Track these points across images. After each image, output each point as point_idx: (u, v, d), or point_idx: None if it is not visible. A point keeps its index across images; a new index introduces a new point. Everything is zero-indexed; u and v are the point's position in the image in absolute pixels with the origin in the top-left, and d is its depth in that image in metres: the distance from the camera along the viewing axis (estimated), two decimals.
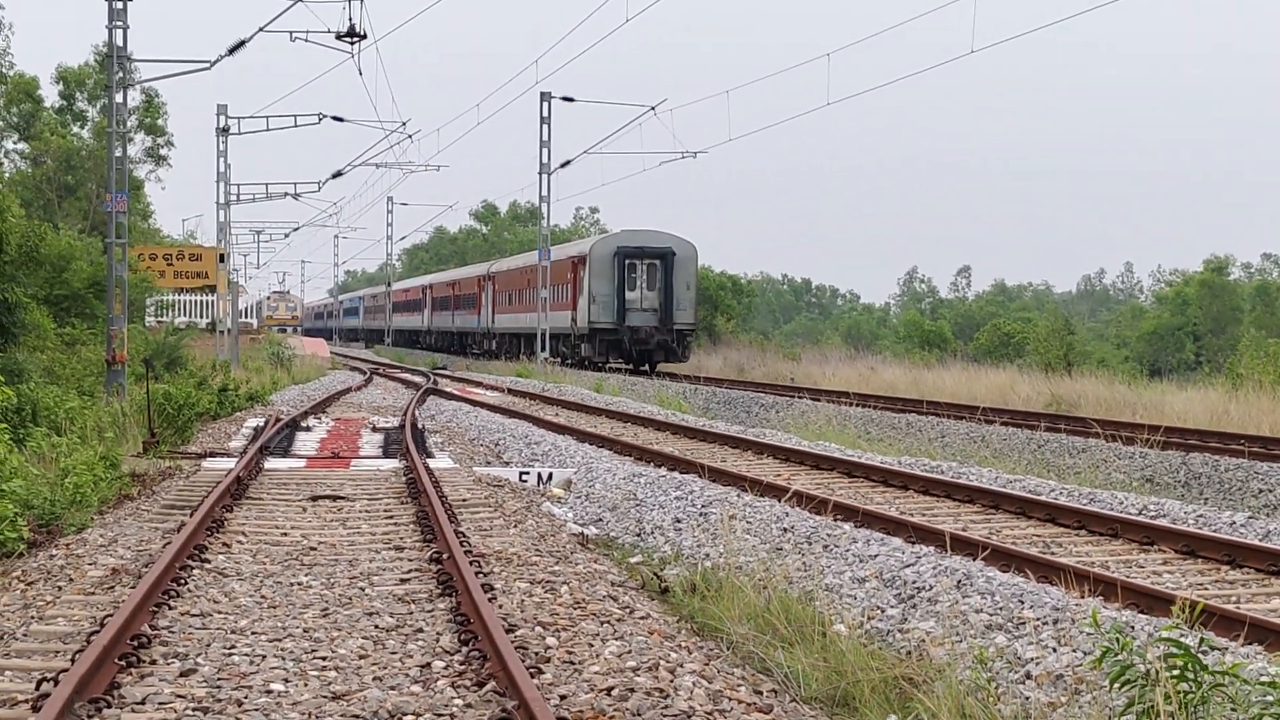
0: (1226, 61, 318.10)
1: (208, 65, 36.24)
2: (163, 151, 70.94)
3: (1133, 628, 9.41)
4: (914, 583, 11.95)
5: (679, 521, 16.54)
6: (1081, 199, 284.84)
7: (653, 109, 54.80)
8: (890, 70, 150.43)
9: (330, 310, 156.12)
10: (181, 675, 8.84)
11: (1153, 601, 10.84)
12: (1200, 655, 7.01)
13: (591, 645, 9.80)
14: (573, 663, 9.29)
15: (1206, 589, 12.19)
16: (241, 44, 36.42)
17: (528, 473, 21.25)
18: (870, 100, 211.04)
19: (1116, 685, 7.16)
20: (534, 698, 7.74)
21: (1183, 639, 7.12)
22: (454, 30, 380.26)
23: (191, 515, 14.83)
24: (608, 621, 10.65)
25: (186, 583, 11.81)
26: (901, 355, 67.55)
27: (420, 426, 28.95)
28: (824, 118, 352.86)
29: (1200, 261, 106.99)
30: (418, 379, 54.84)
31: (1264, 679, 6.89)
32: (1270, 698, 6.66)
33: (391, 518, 16.14)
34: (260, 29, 36.94)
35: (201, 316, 66.15)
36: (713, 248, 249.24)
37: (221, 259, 61.04)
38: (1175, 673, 6.91)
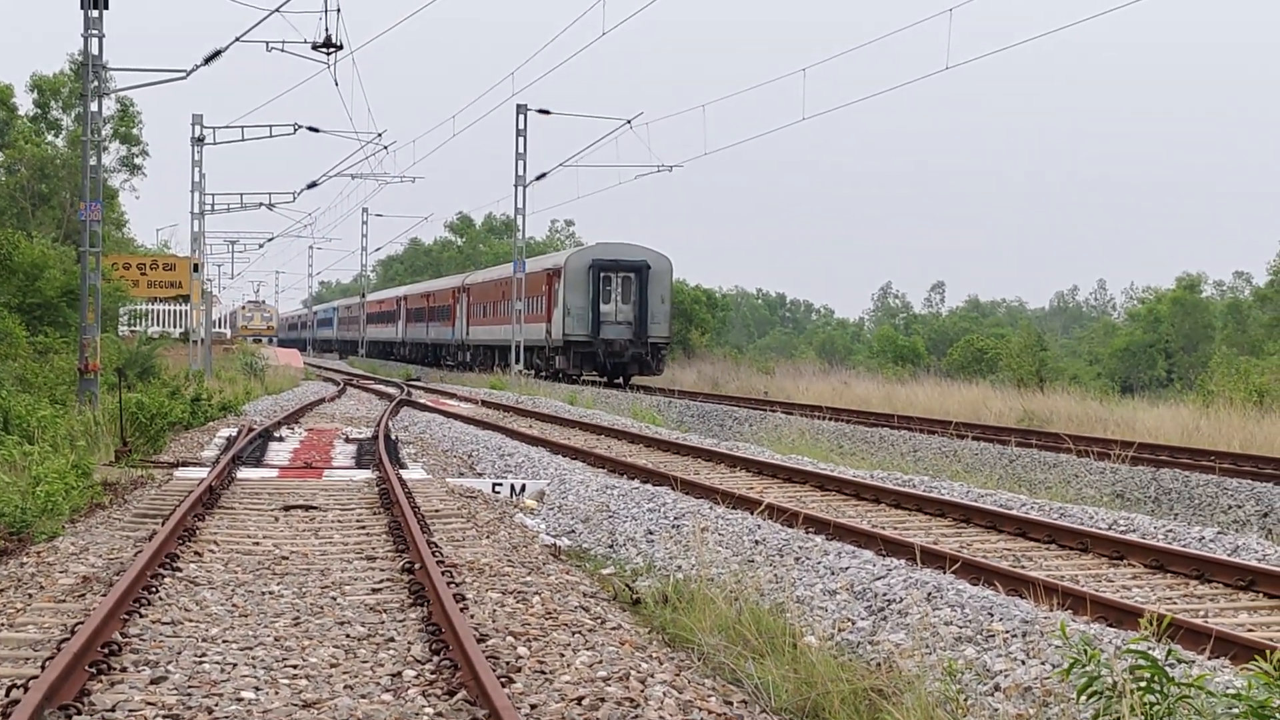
0: (1201, 76, 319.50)
1: (183, 75, 36.19)
2: (137, 161, 70.92)
3: (1101, 640, 9.46)
4: (885, 595, 11.99)
5: (651, 533, 16.57)
6: (1055, 216, 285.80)
7: (629, 122, 54.87)
8: (866, 86, 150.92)
9: (304, 321, 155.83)
10: (152, 683, 8.84)
11: (1121, 615, 10.91)
12: (1167, 668, 7.06)
13: (563, 655, 9.82)
14: (544, 672, 9.31)
15: (1175, 603, 12.25)
16: (217, 54, 36.38)
17: (501, 484, 21.25)
18: (846, 115, 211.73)
19: (1084, 697, 7.20)
20: (504, 706, 7.76)
21: (1150, 651, 7.17)
22: (430, 42, 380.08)
23: (163, 524, 14.81)
24: (579, 632, 10.67)
25: (158, 591, 11.80)
26: (875, 370, 67.66)
27: (393, 437, 28.94)
28: (800, 133, 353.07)
29: (1173, 279, 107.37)
30: (391, 390, 54.81)
31: (1230, 691, 6.93)
32: (1235, 710, 6.70)
33: (364, 528, 16.14)
34: (236, 39, 36.91)
35: (175, 326, 66.04)
36: (688, 261, 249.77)
37: (195, 269, 60.95)
38: (1142, 685, 6.96)
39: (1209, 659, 9.47)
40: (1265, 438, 28.96)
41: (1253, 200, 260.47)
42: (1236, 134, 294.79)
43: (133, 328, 57.63)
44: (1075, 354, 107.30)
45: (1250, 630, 11.04)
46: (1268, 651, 7.17)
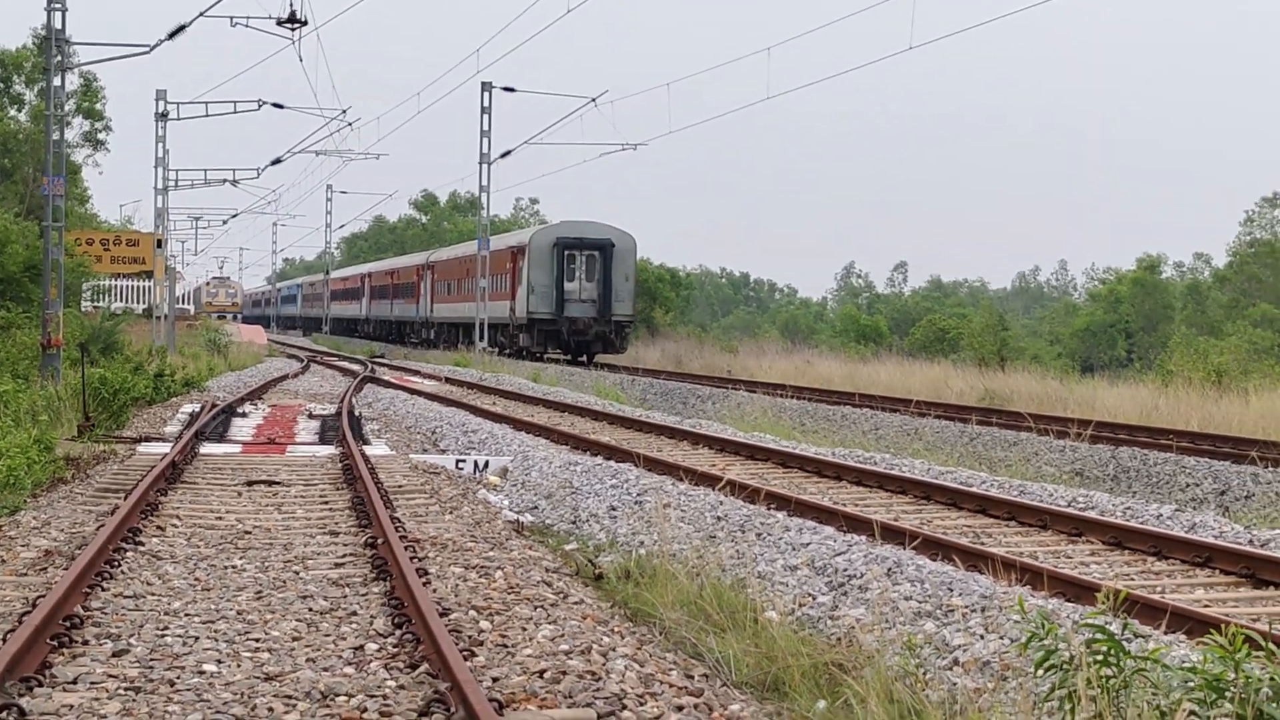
0: (1163, 59, 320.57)
1: (147, 49, 36.05)
2: (101, 136, 70.44)
3: (1059, 615, 9.54)
4: (845, 571, 12.06)
5: (614, 509, 16.62)
6: (1018, 196, 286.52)
7: (593, 100, 54.82)
8: (830, 65, 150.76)
9: (268, 298, 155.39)
10: (114, 655, 8.85)
11: (1079, 590, 10.99)
12: (1124, 641, 7.13)
13: (525, 629, 9.86)
14: (506, 646, 9.35)
15: (1133, 579, 12.35)
16: (181, 28, 36.25)
17: (464, 460, 21.27)
18: (810, 95, 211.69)
19: (1041, 670, 7.27)
20: (466, 679, 7.79)
21: (1107, 625, 7.24)
22: (395, 18, 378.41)
23: (126, 498, 14.80)
24: (541, 606, 10.72)
25: (120, 565, 11.80)
26: (838, 349, 67.78)
27: (357, 414, 28.92)
28: (764, 111, 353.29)
29: (1133, 260, 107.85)
30: (355, 367, 54.75)
31: (1185, 665, 7.01)
32: (1191, 683, 6.77)
33: (327, 503, 16.15)
34: (201, 14, 36.77)
35: (138, 302, 65.79)
36: (652, 240, 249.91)
37: (159, 245, 60.72)
38: (1099, 658, 7.02)
39: (1165, 633, 9.56)
40: (1223, 417, 29.14)
41: (1213, 182, 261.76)
42: (1200, 117, 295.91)
43: (96, 303, 57.38)
44: (1036, 334, 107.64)
45: (1206, 606, 11.14)
46: (1223, 626, 7.25)
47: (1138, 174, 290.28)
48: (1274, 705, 6.59)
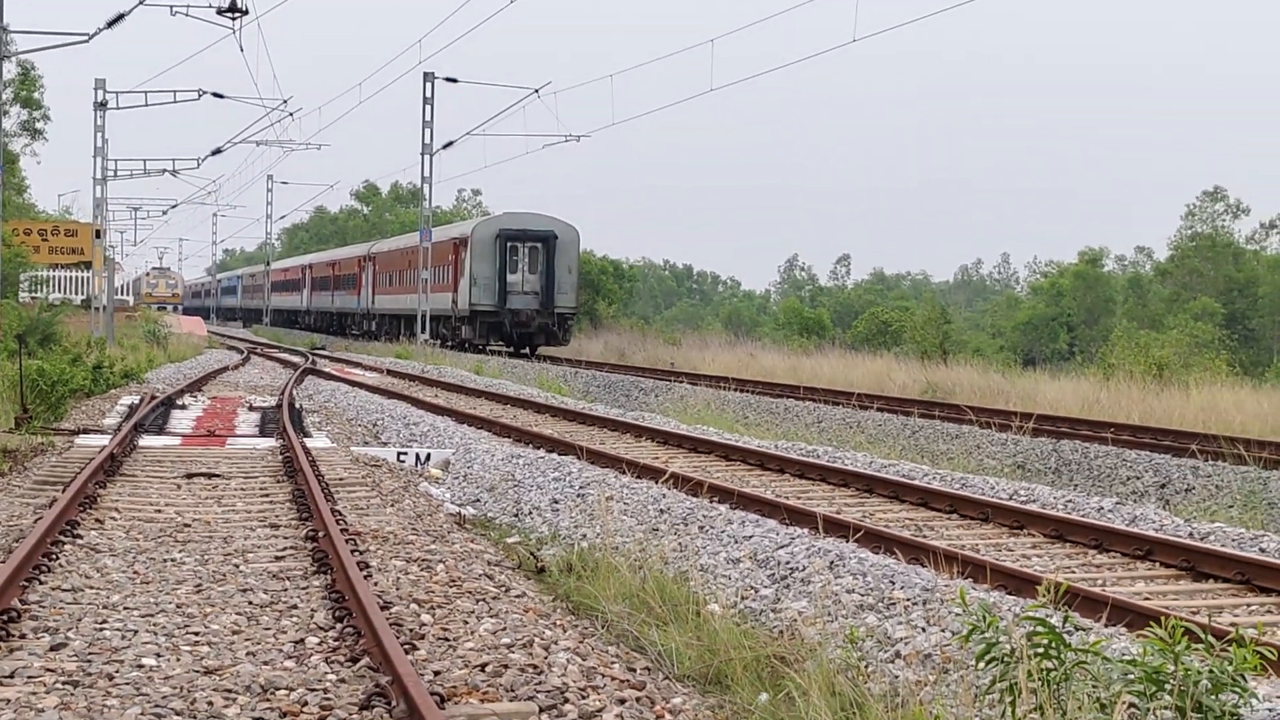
0: (1100, 54, 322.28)
1: (86, 38, 35.78)
2: (39, 125, 70.05)
3: (1000, 608, 9.56)
4: (788, 563, 12.06)
5: (556, 502, 16.59)
6: (959, 189, 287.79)
7: (536, 91, 54.69)
8: (773, 57, 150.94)
9: (208, 289, 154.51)
10: (52, 649, 8.76)
11: (1020, 583, 11.02)
12: (1064, 634, 7.14)
13: (467, 623, 9.82)
14: (447, 639, 9.31)
15: (1074, 571, 12.41)
16: (121, 17, 36.01)
17: (405, 453, 21.19)
18: (753, 87, 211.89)
19: (982, 663, 7.28)
20: (407, 672, 7.76)
21: (1048, 618, 7.25)
22: (337, 7, 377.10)
23: (64, 491, 14.67)
24: (483, 600, 10.68)
25: (58, 558, 11.69)
26: (780, 342, 67.92)
27: (298, 406, 28.78)
28: (707, 104, 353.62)
29: (1075, 253, 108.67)
30: (296, 359, 54.49)
31: (1125, 658, 7.03)
32: (1131, 676, 6.80)
33: (267, 496, 16.05)
34: (140, 2, 36.55)
35: (77, 293, 65.29)
36: (595, 232, 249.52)
37: (98, 235, 60.25)
38: (1040, 651, 7.04)
39: (1106, 626, 9.60)
40: (1164, 410, 29.35)
41: (1154, 177, 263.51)
42: (1141, 110, 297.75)
43: (34, 294, 56.93)
44: (978, 327, 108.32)
45: (1146, 599, 11.20)
46: (1163, 618, 7.28)
47: (1080, 167, 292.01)
48: (1213, 697, 6.62)
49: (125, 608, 10.05)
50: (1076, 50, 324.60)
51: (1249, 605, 11.20)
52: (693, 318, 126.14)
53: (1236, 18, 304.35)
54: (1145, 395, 31.34)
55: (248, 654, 8.84)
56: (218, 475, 17.62)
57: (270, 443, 21.57)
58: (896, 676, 9.03)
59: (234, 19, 36.05)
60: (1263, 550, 13.39)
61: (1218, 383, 32.62)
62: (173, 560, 11.95)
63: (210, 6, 36.35)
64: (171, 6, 38.27)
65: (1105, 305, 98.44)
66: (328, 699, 7.88)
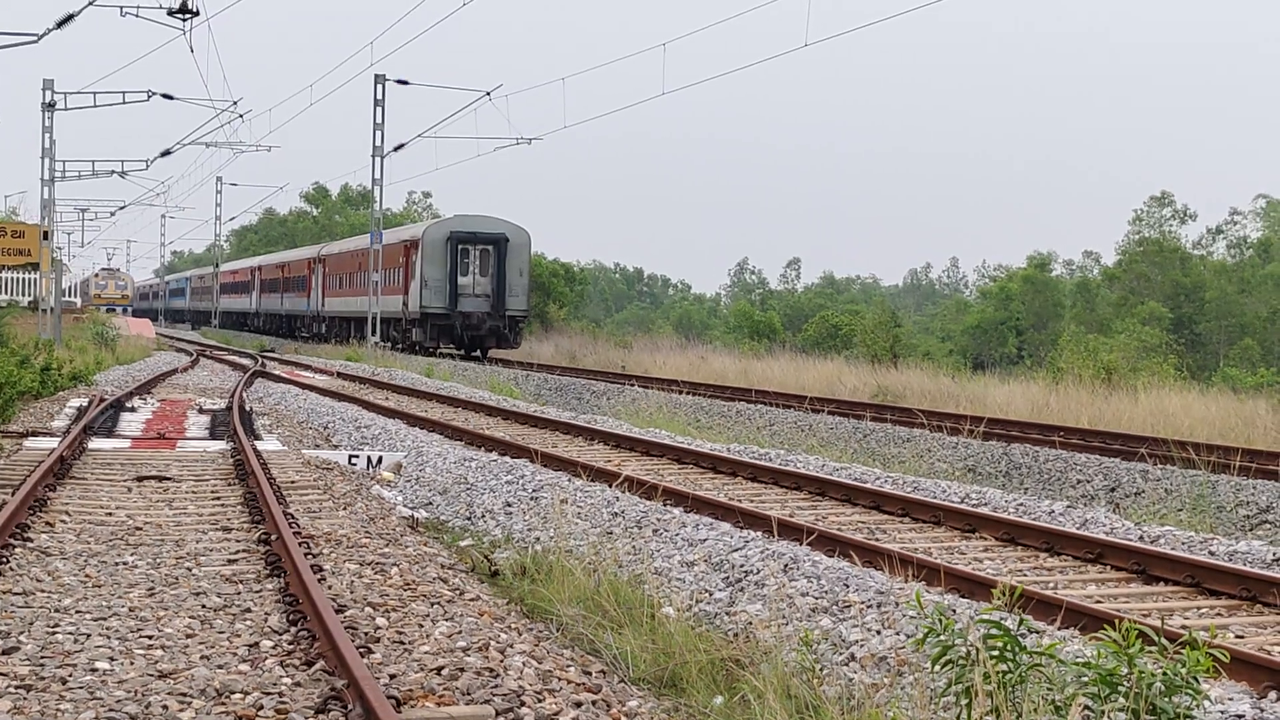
0: (1051, 57, 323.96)
1: (35, 38, 35.58)
2: None
3: (955, 611, 9.60)
4: (742, 566, 12.08)
5: (510, 506, 16.57)
6: (910, 193, 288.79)
7: (488, 94, 54.60)
8: (726, 61, 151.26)
9: (156, 291, 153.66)
10: (3, 654, 8.70)
11: (974, 586, 11.07)
12: (1020, 637, 7.18)
13: (422, 626, 9.81)
14: (403, 643, 9.29)
15: (1026, 575, 12.46)
16: (70, 17, 35.79)
17: (357, 456, 21.14)
18: (705, 91, 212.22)
19: (938, 665, 7.31)
20: (364, 676, 7.74)
21: (1003, 621, 7.29)
22: (288, 9, 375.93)
23: (13, 494, 14.56)
24: (438, 603, 10.66)
25: (8, 561, 11.62)
26: (731, 345, 68.02)
27: (248, 409, 28.67)
28: (659, 107, 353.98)
29: (1024, 258, 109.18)
30: (245, 361, 54.28)
31: (1079, 660, 7.07)
32: (1085, 678, 6.84)
33: (219, 499, 15.99)
34: (90, 2, 36.32)
35: (23, 295, 64.82)
36: (546, 235, 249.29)
37: (45, 236, 59.83)
38: (995, 653, 7.07)
39: (1059, 629, 9.65)
40: (1113, 414, 29.51)
41: (1102, 181, 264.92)
42: (1092, 116, 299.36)
43: None
44: (928, 331, 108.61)
45: (1099, 602, 11.26)
46: (1117, 621, 7.32)
47: (1028, 171, 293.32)
48: (1167, 699, 6.67)
49: (77, 611, 9.99)
50: (1024, 57, 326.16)
51: (1199, 608, 11.27)
52: (644, 320, 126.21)
53: (1191, 18, 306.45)
54: (1094, 399, 31.52)
55: (202, 657, 8.80)
56: (168, 478, 17.54)
57: (221, 445, 21.48)
58: (852, 679, 9.05)
59: (184, 20, 35.86)
60: (1212, 553, 13.49)
61: (1165, 387, 32.81)
62: (125, 564, 11.89)
63: (160, 7, 36.16)
64: (121, 7, 38.11)
65: (1053, 309, 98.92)
66: (283, 702, 7.85)
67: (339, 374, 44.66)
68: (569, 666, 9.30)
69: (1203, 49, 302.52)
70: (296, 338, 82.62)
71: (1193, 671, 6.73)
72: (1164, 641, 6.97)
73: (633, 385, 41.25)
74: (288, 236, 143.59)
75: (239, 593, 10.82)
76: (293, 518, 13.84)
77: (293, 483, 17.19)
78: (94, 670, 8.42)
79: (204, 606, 10.28)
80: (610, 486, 16.76)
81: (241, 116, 59.48)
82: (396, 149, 61.83)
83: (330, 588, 10.80)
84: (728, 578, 12.00)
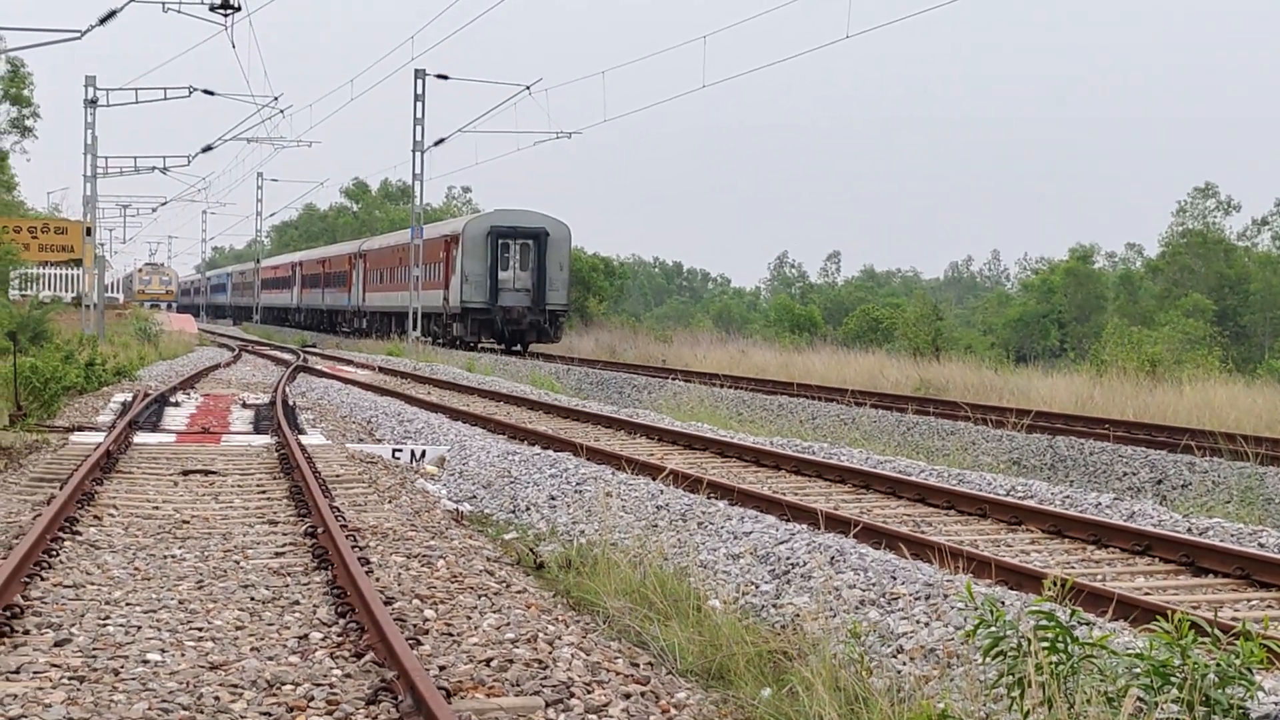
0: (1094, 49, 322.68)
1: (77, 35, 35.77)
2: (28, 123, 69.94)
3: (1004, 603, 9.57)
4: (788, 559, 12.07)
5: (554, 499, 16.58)
6: (951, 186, 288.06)
7: (528, 88, 54.69)
8: (766, 54, 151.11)
9: (197, 286, 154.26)
10: (56, 645, 8.76)
11: (1022, 579, 11.03)
12: (1070, 629, 7.15)
13: (470, 618, 9.83)
14: (451, 634, 9.31)
15: (1074, 567, 12.41)
16: (113, 14, 35.99)
17: (401, 450, 21.18)
18: (745, 84, 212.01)
19: (989, 657, 7.29)
20: (414, 668, 7.75)
21: (1054, 612, 7.26)
22: (329, 4, 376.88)
23: (61, 488, 14.65)
24: (485, 595, 10.68)
25: (58, 554, 11.68)
26: (772, 339, 67.87)
27: (291, 403, 28.75)
28: (699, 100, 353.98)
29: (1066, 250, 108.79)
30: (287, 356, 54.45)
31: (1131, 651, 7.04)
32: (1137, 669, 6.81)
33: (264, 493, 16.04)
34: None
35: (67, 291, 65.19)
36: (586, 229, 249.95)
37: (88, 232, 60.16)
38: (1047, 644, 7.05)
39: (1109, 621, 9.61)
40: (1158, 407, 29.36)
41: (1146, 172, 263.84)
42: (1134, 108, 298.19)
43: (24, 292, 56.83)
44: (969, 324, 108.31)
45: (1147, 593, 11.21)
46: (1170, 612, 7.29)
47: (1070, 163, 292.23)
48: (1220, 691, 6.64)
49: (127, 604, 10.04)
50: (1066, 47, 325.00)
51: (1249, 600, 11.22)
52: (683, 315, 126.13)
53: (1234, 7, 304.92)
54: (1139, 392, 31.36)
55: (252, 649, 8.84)
56: (214, 472, 17.61)
57: (265, 440, 21.55)
58: (900, 671, 9.04)
59: (226, 15, 36.03)
60: (1262, 545, 13.40)
61: (1210, 379, 32.65)
62: (173, 557, 11.95)
63: (202, 3, 36.37)
64: (164, 3, 38.27)
65: (1096, 302, 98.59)
66: (334, 694, 7.88)
67: (380, 369, 44.75)
68: (617, 658, 9.31)
69: (1250, 38, 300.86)
70: (337, 333, 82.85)
71: (1246, 663, 6.70)
72: (1217, 633, 6.94)
73: (674, 379, 41.22)
74: (328, 232, 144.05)
75: (287, 585, 10.86)
76: (338, 511, 13.88)
77: (337, 476, 17.24)
78: (145, 662, 8.46)
79: (253, 599, 10.32)
80: (654, 479, 16.75)
81: (282, 112, 60.06)
82: (437, 144, 62.03)
83: (378, 580, 10.83)
84: (774, 570, 11.99)
